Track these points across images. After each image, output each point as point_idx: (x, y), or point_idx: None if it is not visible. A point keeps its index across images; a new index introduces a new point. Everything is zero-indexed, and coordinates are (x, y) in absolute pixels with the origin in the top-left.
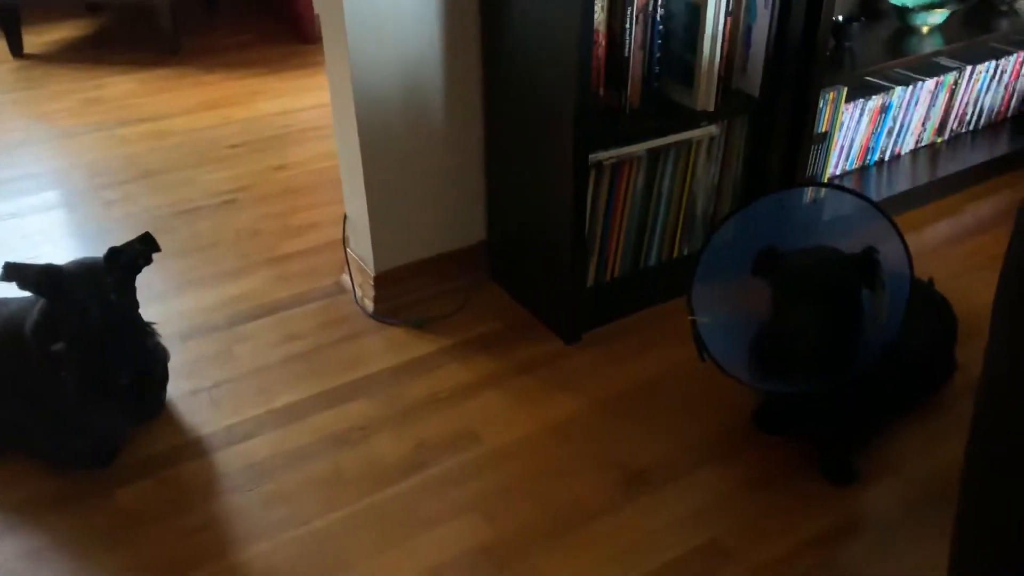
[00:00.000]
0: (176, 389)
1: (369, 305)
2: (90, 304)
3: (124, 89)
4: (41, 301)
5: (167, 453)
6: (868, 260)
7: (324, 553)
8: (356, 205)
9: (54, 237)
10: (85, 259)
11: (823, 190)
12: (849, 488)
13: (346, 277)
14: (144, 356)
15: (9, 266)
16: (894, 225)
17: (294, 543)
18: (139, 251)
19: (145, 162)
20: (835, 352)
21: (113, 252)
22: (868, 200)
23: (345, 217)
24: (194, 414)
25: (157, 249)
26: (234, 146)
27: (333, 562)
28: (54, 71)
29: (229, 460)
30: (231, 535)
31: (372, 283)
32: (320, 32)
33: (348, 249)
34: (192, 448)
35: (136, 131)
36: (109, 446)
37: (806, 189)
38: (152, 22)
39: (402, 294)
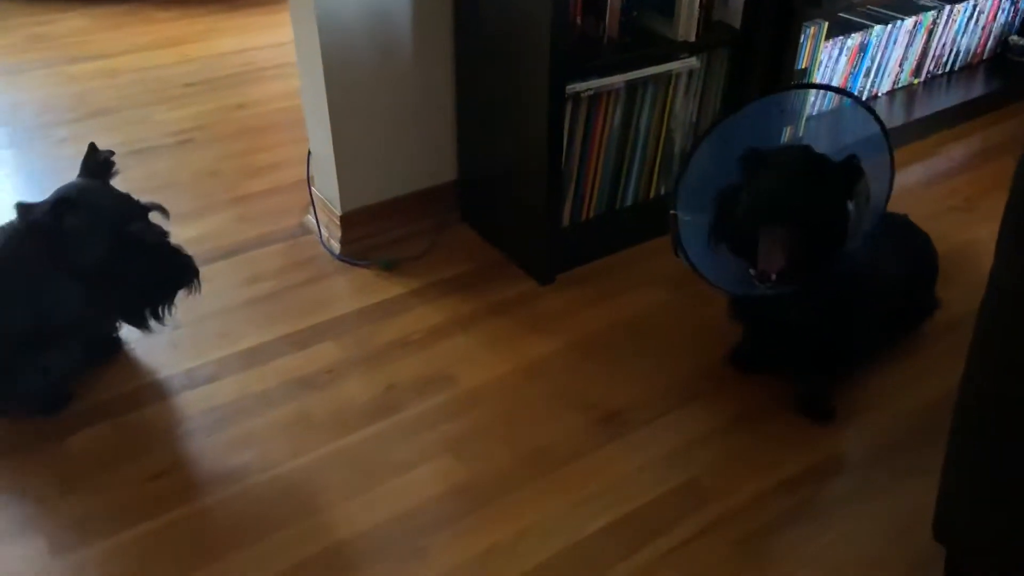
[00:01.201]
0: (133, 331)
1: (335, 246)
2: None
3: (73, 25)
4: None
5: (124, 397)
6: (850, 167)
7: (292, 498)
8: (321, 143)
9: (3, 175)
10: (80, 182)
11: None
12: (828, 426)
13: (310, 218)
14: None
15: (22, 207)
16: (879, 123)
17: (261, 488)
18: (106, 155)
19: (96, 100)
20: (808, 252)
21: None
22: (854, 97)
23: (309, 154)
24: (152, 357)
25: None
26: (190, 84)
27: (302, 507)
28: None
29: (190, 404)
30: (193, 481)
31: (338, 223)
32: None
33: (313, 188)
34: (150, 391)
35: (86, 68)
36: (62, 390)
37: (792, 93)
38: None
39: (369, 235)
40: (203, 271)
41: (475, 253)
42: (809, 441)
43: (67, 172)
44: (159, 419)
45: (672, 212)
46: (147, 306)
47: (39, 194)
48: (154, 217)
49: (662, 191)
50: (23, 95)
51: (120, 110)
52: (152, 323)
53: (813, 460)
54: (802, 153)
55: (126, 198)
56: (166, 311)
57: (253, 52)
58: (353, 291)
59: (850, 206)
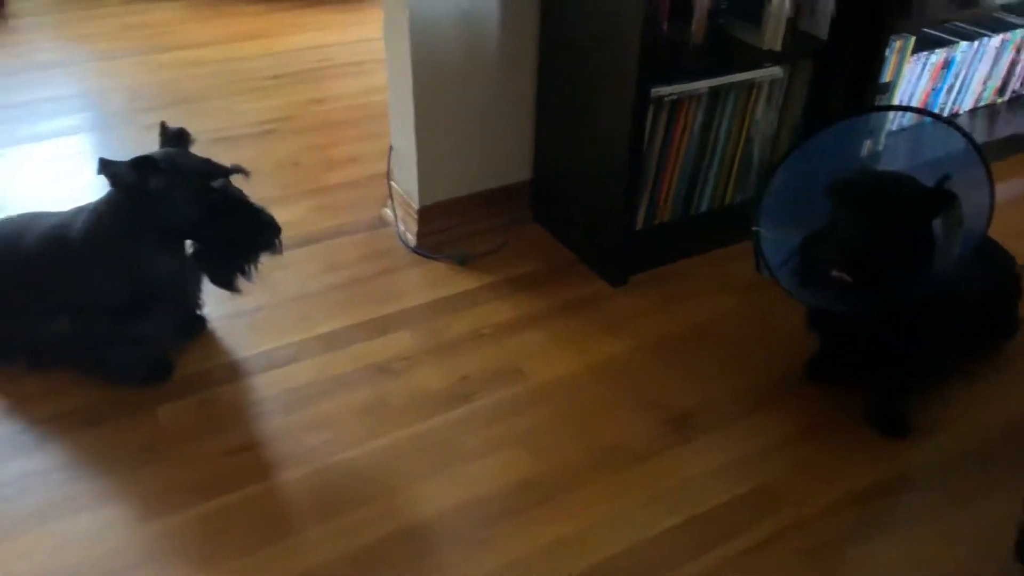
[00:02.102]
0: (217, 312)
1: (411, 239)
2: (213, 170)
3: (163, 16)
4: (92, 208)
5: (207, 373)
6: (942, 191)
7: (366, 479)
8: (404, 138)
9: (93, 158)
10: (162, 149)
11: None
12: (902, 441)
13: (388, 210)
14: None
15: (103, 161)
16: (976, 148)
17: (337, 468)
18: (178, 129)
19: (184, 89)
20: (892, 271)
21: (179, 135)
22: (952, 124)
23: (391, 149)
24: (233, 337)
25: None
26: (273, 77)
27: (375, 489)
28: None
29: (270, 384)
30: (272, 457)
31: (415, 217)
32: None
33: (392, 182)
34: (232, 370)
35: (174, 58)
36: (162, 360)
37: (879, 115)
38: None
39: (443, 230)
40: (284, 256)
41: (546, 252)
42: (883, 454)
43: None
44: (241, 396)
45: (755, 228)
46: (233, 265)
47: None
48: (236, 180)
49: (737, 199)
50: (114, 81)
51: (206, 99)
52: (240, 283)
53: (887, 473)
54: (890, 185)
55: (207, 160)
56: (251, 270)
57: (332, 48)
58: (427, 283)
59: (938, 229)
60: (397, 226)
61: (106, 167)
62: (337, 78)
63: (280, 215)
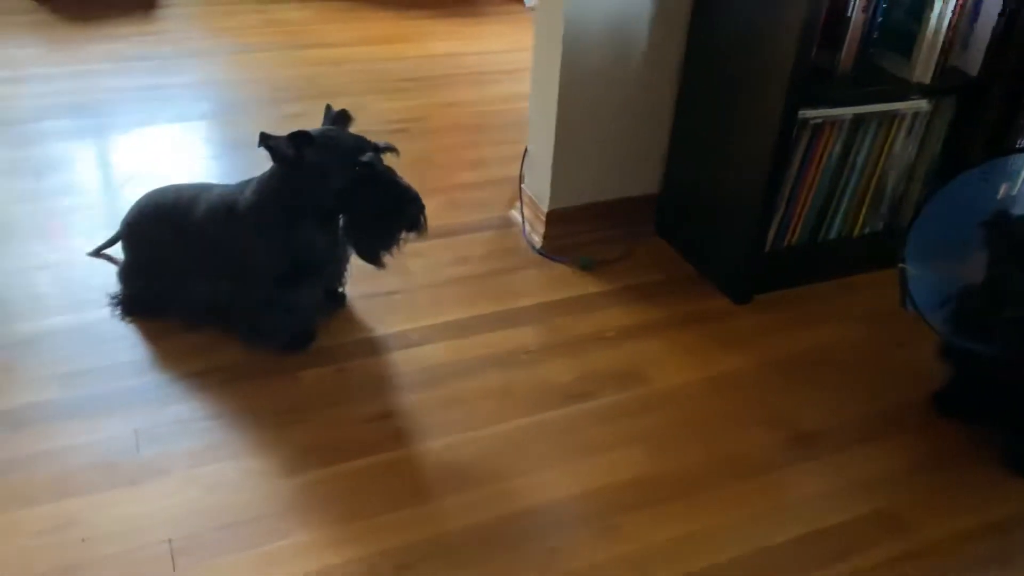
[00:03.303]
0: (355, 291)
1: (536, 241)
2: (364, 146)
3: (301, 15)
4: (257, 181)
5: (347, 346)
6: None
7: (495, 458)
8: (541, 142)
9: (238, 142)
10: (321, 127)
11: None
12: None
13: (515, 212)
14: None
15: (264, 135)
16: None
17: (467, 445)
18: (341, 111)
19: (322, 84)
20: None
21: (341, 115)
22: None
23: (525, 153)
24: (370, 316)
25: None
26: (407, 80)
27: (504, 468)
28: None
29: (404, 361)
30: (407, 428)
31: (543, 220)
32: None
33: (522, 185)
34: (369, 345)
35: (313, 55)
36: (308, 329)
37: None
38: None
39: (568, 234)
40: (418, 246)
41: (668, 265)
42: (1013, 490)
43: None
44: (377, 370)
45: (901, 265)
46: (379, 239)
47: (269, 160)
48: (387, 158)
49: (866, 230)
50: (259, 72)
51: (343, 95)
52: (383, 258)
53: (1017, 509)
54: None
55: (360, 136)
56: (396, 245)
57: (462, 57)
58: (550, 284)
59: None
60: (524, 227)
61: (265, 139)
62: (468, 85)
63: None
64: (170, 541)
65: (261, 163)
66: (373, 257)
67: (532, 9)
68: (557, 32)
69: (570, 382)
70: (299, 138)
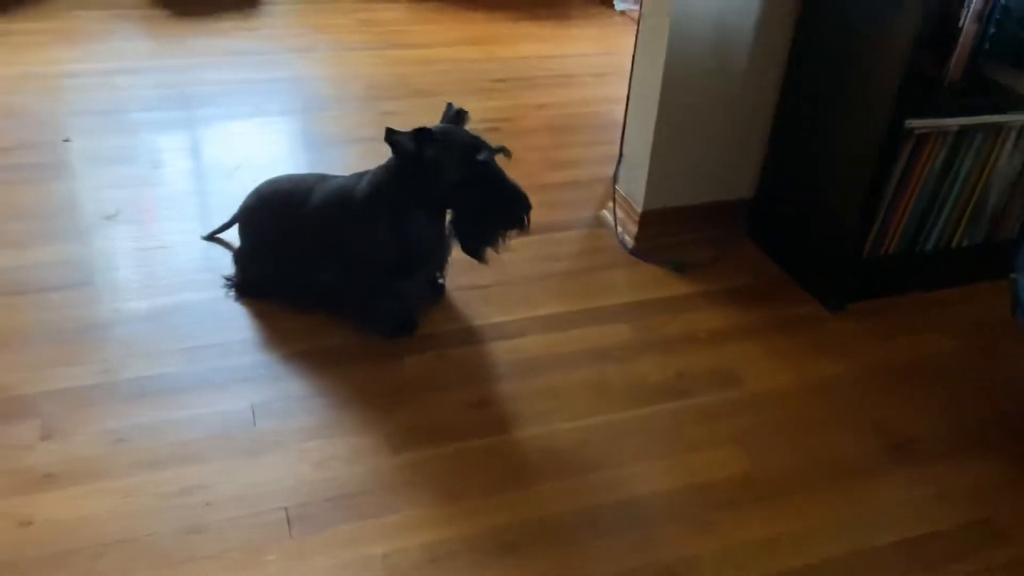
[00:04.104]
0: (451, 284)
1: (628, 241)
2: (480, 145)
3: (394, 16)
4: (372, 173)
5: (446, 334)
6: None
7: (592, 448)
8: (638, 144)
9: (339, 134)
10: (435, 125)
11: None
12: None
13: (607, 212)
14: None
15: (390, 130)
16: None
17: (564, 434)
18: (459, 109)
19: (415, 83)
20: None
21: (458, 114)
22: None
23: (621, 155)
24: (468, 307)
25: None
26: (497, 80)
27: (601, 459)
28: None
29: (501, 351)
30: (505, 415)
31: (636, 220)
32: None
33: (616, 185)
34: (467, 335)
35: (406, 55)
36: (411, 316)
37: None
38: None
39: (660, 235)
40: (511, 242)
41: (760, 269)
42: None
43: None
44: (475, 358)
45: (1012, 276)
46: (485, 234)
47: (366, 153)
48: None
49: (964, 242)
50: (355, 69)
51: (435, 94)
52: (487, 253)
53: None
54: None
55: (477, 136)
56: (500, 242)
57: (552, 59)
58: (642, 283)
59: None
60: (616, 228)
61: (390, 135)
62: (558, 87)
63: None
64: (286, 509)
65: (359, 156)
66: (477, 252)
67: (622, 13)
68: (662, 35)
69: (664, 380)
70: (421, 134)
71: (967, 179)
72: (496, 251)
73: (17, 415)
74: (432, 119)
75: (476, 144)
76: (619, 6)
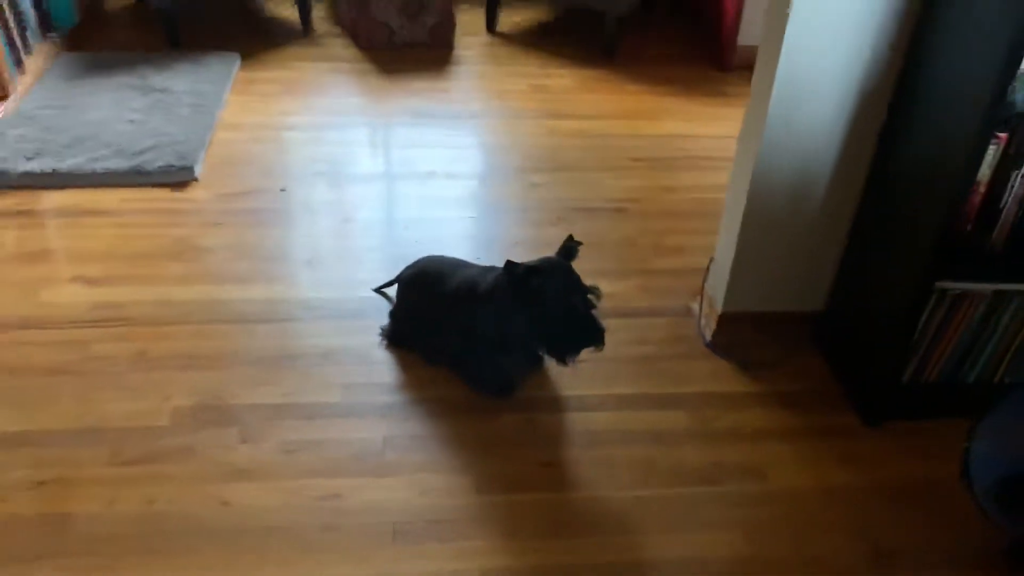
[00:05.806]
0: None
1: (708, 335)
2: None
3: (563, 83)
4: (494, 275)
5: (538, 399)
6: None
7: (626, 515)
8: (725, 249)
9: (485, 204)
10: (551, 258)
11: None
12: None
13: (696, 305)
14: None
15: (509, 262)
16: None
17: (607, 501)
18: (574, 243)
19: (563, 157)
20: None
21: (569, 248)
22: None
23: (711, 260)
24: (561, 378)
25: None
26: (636, 159)
27: (629, 524)
28: (515, 52)
29: (577, 421)
30: (567, 476)
31: (716, 319)
32: (737, 61)
33: (705, 283)
34: (555, 403)
35: (563, 125)
36: (510, 382)
37: None
38: (599, 22)
39: (736, 334)
40: (608, 322)
41: (816, 377)
42: None
43: (532, 213)
44: (556, 423)
45: (966, 444)
46: (566, 351)
47: (510, 224)
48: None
49: (1007, 380)
50: (516, 138)
51: (577, 170)
52: (565, 359)
53: None
54: None
55: (576, 278)
56: (574, 356)
57: (690, 139)
58: (711, 376)
59: None
60: (699, 321)
61: (507, 265)
62: (689, 169)
63: (611, 287)
64: (393, 524)
65: (505, 227)
66: (560, 359)
67: None
68: (753, 150)
69: (701, 466)
70: (530, 270)
71: (1006, 331)
72: (568, 363)
73: (226, 422)
74: (570, 194)
75: (572, 287)
76: None
